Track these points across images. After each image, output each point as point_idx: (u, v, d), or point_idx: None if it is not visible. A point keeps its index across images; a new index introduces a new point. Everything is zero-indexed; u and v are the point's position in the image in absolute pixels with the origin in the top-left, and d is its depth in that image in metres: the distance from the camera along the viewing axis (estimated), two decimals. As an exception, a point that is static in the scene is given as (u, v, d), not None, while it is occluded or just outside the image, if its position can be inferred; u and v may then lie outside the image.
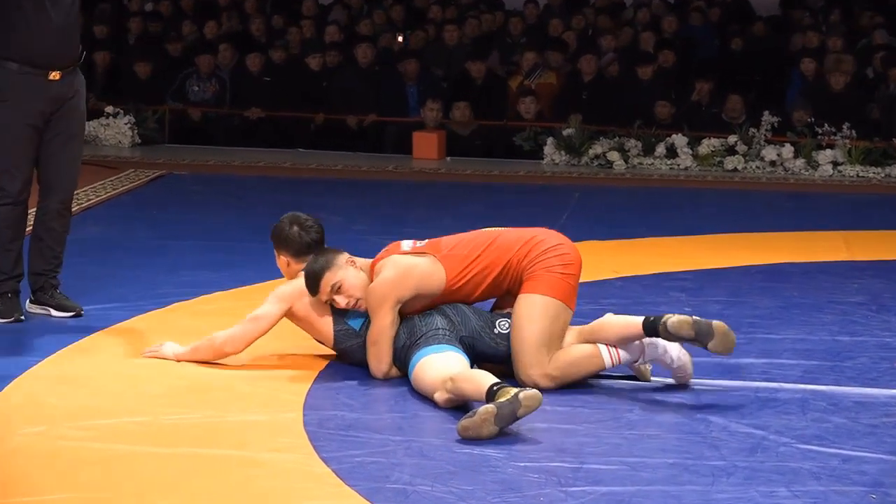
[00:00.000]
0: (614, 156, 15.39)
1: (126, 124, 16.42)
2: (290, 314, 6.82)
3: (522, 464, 5.43)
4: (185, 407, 6.14)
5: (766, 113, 15.41)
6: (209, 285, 8.65)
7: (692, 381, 6.61)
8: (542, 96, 16.52)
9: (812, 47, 17.04)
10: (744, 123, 15.57)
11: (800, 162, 15.17)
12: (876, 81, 16.18)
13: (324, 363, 6.90)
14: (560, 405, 6.20)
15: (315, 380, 6.62)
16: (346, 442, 5.67)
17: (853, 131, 15.01)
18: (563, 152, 15.50)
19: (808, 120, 15.36)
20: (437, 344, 6.47)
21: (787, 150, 15.26)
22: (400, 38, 18.13)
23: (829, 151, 15.07)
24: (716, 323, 6.25)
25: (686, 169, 15.28)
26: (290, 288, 6.85)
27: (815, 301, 8.57)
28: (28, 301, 7.79)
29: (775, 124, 15.39)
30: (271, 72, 17.15)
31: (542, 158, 15.57)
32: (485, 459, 5.51)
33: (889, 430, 5.98)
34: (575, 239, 10.60)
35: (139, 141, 16.42)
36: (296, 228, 7.16)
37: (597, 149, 15.45)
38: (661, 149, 15.40)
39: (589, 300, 7.72)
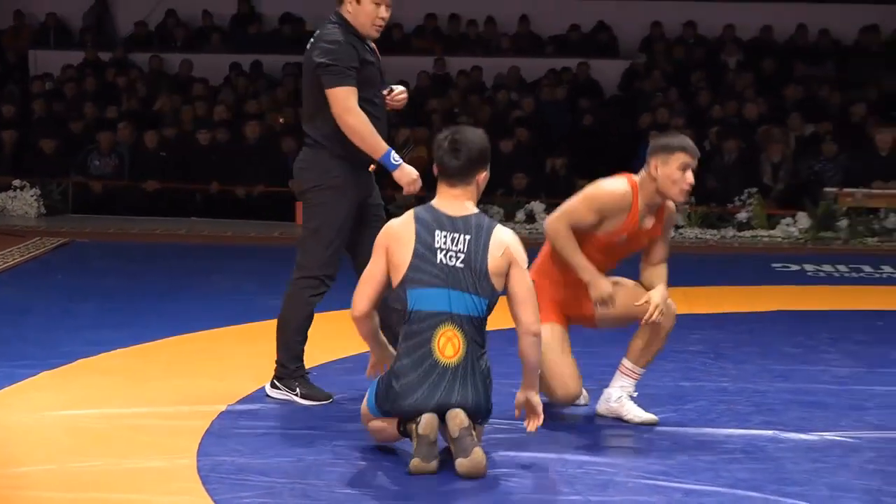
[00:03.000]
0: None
1: (32, 196, 16.32)
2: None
3: (392, 502, 5.43)
4: (88, 455, 6.07)
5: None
6: (110, 343, 8.56)
7: (549, 422, 6.64)
8: (415, 168, 16.55)
9: (655, 124, 17.28)
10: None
11: (645, 225, 15.31)
12: (712, 153, 16.44)
13: (217, 411, 6.86)
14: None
15: (208, 428, 6.57)
16: (235, 485, 5.63)
17: (692, 198, 15.20)
18: (432, 219, 15.54)
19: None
20: None
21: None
22: (281, 120, 18.11)
23: (671, 216, 15.23)
24: (477, 449, 5.78)
25: (543, 233, 15.36)
26: (380, 234, 6.18)
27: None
28: None
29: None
30: (166, 147, 17.12)
31: (414, 224, 15.59)
32: (362, 499, 5.51)
33: (726, 466, 6.04)
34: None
35: (45, 211, 16.30)
36: None
37: (463, 215, 15.50)
38: (520, 215, 15.52)
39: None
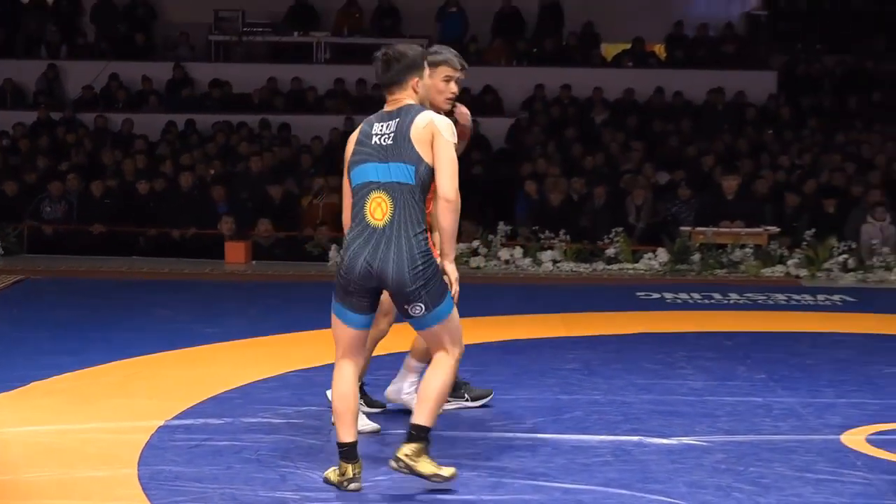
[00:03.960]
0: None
1: (-9, 239, 16.08)
2: None
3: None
4: (41, 466, 5.99)
5: (501, 223, 15.63)
6: (61, 367, 8.45)
7: (446, 432, 6.63)
8: (328, 212, 16.63)
9: (535, 173, 17.39)
10: (484, 232, 15.77)
11: (527, 260, 15.39)
12: (584, 198, 16.53)
13: (156, 426, 6.78)
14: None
15: (148, 441, 6.50)
16: (172, 491, 5.59)
17: (568, 236, 15.31)
18: (344, 256, 15.50)
19: (533, 228, 15.64)
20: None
21: (518, 251, 15.48)
22: (212, 171, 17.99)
23: (549, 252, 15.31)
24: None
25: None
26: None
27: (541, 368, 8.67)
28: None
29: (508, 232, 15.62)
30: (110, 195, 16.95)
31: (328, 261, 15.56)
32: (286, 501, 5.47)
33: (598, 467, 6.07)
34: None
35: (2, 252, 16.02)
36: None
37: (370, 253, 15.47)
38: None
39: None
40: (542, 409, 7.31)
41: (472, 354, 9.31)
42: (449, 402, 7.09)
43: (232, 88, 21.09)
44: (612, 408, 7.42)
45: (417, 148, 5.63)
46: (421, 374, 6.85)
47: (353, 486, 5.66)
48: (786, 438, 6.69)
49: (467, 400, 7.41)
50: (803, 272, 14.61)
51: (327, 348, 9.31)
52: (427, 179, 5.67)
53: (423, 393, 5.75)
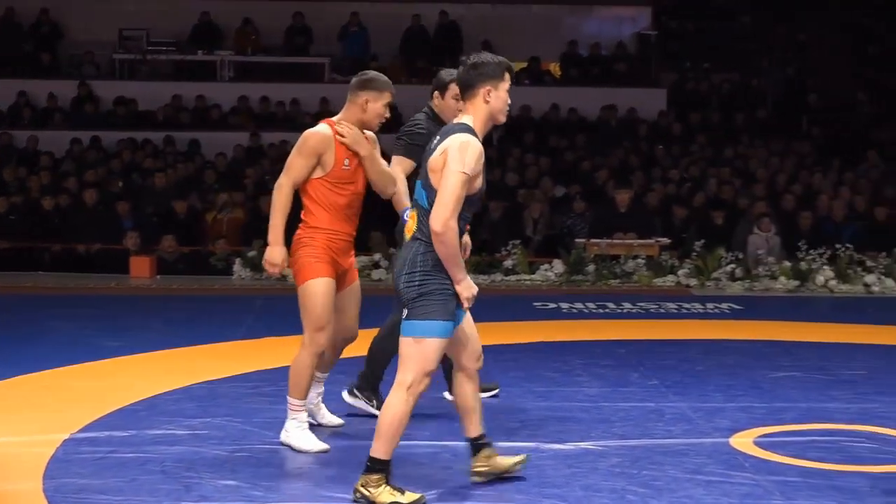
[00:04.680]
0: (288, 272, 15.33)
1: None
2: None
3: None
4: (-55, 481, 5.87)
5: (402, 236, 15.62)
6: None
7: (351, 441, 6.60)
8: (231, 227, 16.54)
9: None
10: (386, 245, 15.76)
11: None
12: (481, 211, 16.59)
13: (61, 439, 6.67)
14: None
15: (53, 454, 6.40)
16: (77, 503, 5.49)
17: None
18: (248, 269, 15.42)
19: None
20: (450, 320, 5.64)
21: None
22: (120, 183, 17.81)
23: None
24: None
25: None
26: None
27: (441, 376, 8.66)
28: None
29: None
30: (15, 212, 16.66)
31: (232, 274, 15.45)
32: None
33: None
34: (258, 336, 10.61)
35: None
36: None
37: (278, 266, 15.39)
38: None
39: (258, 384, 7.65)
40: (441, 416, 7.30)
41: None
42: (357, 398, 7.43)
43: (137, 106, 20.91)
44: (509, 415, 7.44)
45: (431, 176, 5.56)
46: (323, 383, 6.96)
47: (474, 478, 5.90)
48: (677, 442, 6.76)
49: (374, 407, 7.38)
50: (693, 282, 14.77)
51: (232, 360, 9.29)
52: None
53: (379, 424, 5.61)
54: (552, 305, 12.86)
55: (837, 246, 14.83)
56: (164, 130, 20.12)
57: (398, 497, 5.54)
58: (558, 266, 15.21)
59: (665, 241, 15.45)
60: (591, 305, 12.87)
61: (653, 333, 10.93)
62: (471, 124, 5.61)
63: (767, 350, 9.86)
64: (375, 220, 16.75)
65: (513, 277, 15.22)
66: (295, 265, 6.62)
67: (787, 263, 14.74)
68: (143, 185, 17.86)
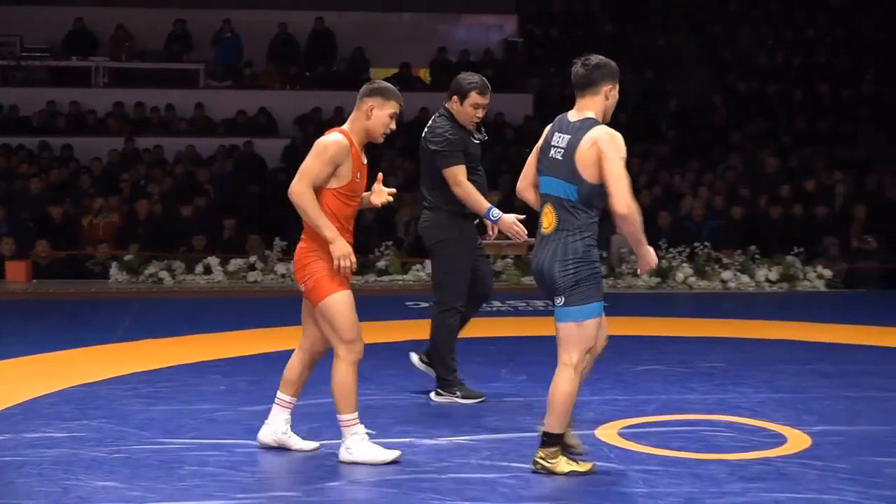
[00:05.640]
0: (164, 274, 15.20)
1: None
2: None
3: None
4: None
5: (277, 239, 15.54)
6: None
7: (223, 440, 6.54)
8: (107, 231, 16.30)
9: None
10: (262, 248, 15.69)
11: (303, 274, 15.32)
12: (394, 209, 16.57)
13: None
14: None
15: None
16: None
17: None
18: (124, 273, 15.21)
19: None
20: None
21: (293, 265, 15.40)
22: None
23: (324, 265, 15.28)
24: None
25: (219, 282, 15.23)
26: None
27: (316, 376, 8.61)
28: None
29: (284, 247, 15.55)
30: None
31: (109, 278, 15.22)
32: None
33: (372, 468, 6.06)
34: (135, 338, 10.47)
35: None
36: None
37: (151, 269, 15.23)
38: (199, 268, 15.30)
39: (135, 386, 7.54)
40: (317, 414, 7.27)
41: (257, 362, 9.28)
42: (440, 395, 7.75)
43: (11, 112, 20.49)
44: (384, 411, 7.43)
45: (581, 171, 5.81)
46: (292, 408, 6.49)
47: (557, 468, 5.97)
48: (546, 435, 6.81)
49: (459, 398, 7.73)
50: (560, 280, 14.92)
51: (109, 363, 9.14)
52: (590, 195, 5.86)
53: (551, 403, 5.94)
54: (424, 304, 12.86)
55: (696, 244, 15.10)
56: (38, 136, 19.73)
57: (574, 466, 5.93)
58: (429, 266, 15.25)
59: (532, 240, 15.54)
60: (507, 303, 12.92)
61: (521, 330, 11.01)
62: (594, 118, 5.94)
63: (631, 345, 10.00)
64: (253, 223, 16.67)
65: (386, 278, 15.24)
66: (311, 279, 6.29)
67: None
68: (18, 190, 17.49)
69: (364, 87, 6.39)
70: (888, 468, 6.06)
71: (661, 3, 23.83)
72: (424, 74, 22.78)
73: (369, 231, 16.12)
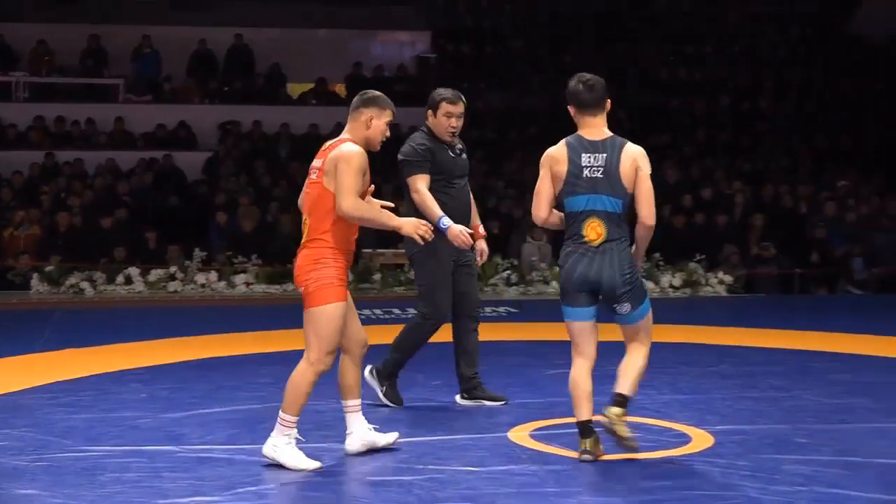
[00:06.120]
0: (85, 284, 15.02)
1: None
2: None
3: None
4: None
5: (197, 249, 15.43)
6: None
7: (148, 446, 6.47)
8: (28, 243, 16.08)
9: (230, 200, 17.28)
10: (182, 258, 15.56)
11: (222, 283, 15.24)
12: (273, 224, 16.50)
13: None
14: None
15: None
16: None
17: (260, 259, 15.23)
18: (45, 284, 15.01)
19: (227, 253, 15.50)
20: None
21: (213, 275, 15.31)
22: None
23: (242, 275, 15.21)
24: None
25: (140, 292, 15.08)
26: (543, 157, 6.50)
27: (238, 383, 8.59)
28: None
29: (203, 257, 15.43)
30: None
31: (30, 289, 15.01)
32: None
33: (288, 473, 6.03)
34: (56, 348, 10.32)
35: None
36: None
37: (72, 280, 15.04)
38: (120, 278, 15.14)
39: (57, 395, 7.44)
40: (237, 420, 7.23)
41: (178, 370, 9.19)
42: (374, 379, 7.77)
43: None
44: (303, 416, 7.37)
45: (625, 183, 6.19)
46: (360, 409, 6.47)
47: (585, 457, 6.21)
48: (460, 437, 6.83)
49: (381, 394, 7.77)
50: (473, 288, 14.95)
51: (31, 373, 9.01)
52: (628, 206, 6.26)
53: (625, 369, 6.44)
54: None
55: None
56: (-41, 150, 19.42)
57: (630, 434, 6.31)
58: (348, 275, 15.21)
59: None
60: (377, 311, 12.92)
61: (436, 337, 10.97)
62: (612, 134, 6.29)
63: (543, 350, 10.04)
64: (173, 233, 16.51)
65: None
66: (313, 283, 6.24)
67: (558, 269, 15.04)
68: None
69: (357, 99, 6.40)
70: (786, 464, 6.15)
71: (568, 21, 24.03)
72: (340, 89, 22.74)
73: (286, 242, 16.00)
